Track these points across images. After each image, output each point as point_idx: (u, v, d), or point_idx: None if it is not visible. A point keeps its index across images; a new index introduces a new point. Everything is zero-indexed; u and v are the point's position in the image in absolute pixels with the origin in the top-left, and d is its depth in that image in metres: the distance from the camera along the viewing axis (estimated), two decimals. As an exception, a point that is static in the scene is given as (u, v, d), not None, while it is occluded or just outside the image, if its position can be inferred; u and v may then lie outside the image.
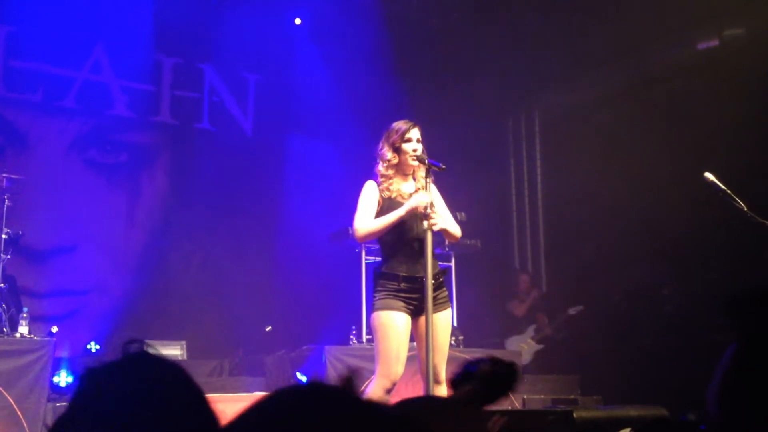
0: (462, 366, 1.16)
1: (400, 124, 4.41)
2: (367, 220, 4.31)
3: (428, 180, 4.24)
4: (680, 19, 7.62)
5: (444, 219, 4.32)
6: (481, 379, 1.12)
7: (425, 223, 4.14)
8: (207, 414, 1.34)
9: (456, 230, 4.44)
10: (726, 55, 7.59)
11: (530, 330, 8.67)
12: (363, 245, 6.98)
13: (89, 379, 1.30)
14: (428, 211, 4.16)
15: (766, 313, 1.66)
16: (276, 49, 9.13)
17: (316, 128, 9.02)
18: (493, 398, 1.12)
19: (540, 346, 8.53)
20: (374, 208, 4.33)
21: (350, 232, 4.37)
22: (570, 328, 8.58)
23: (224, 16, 8.70)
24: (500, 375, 1.15)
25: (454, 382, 1.58)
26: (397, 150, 4.37)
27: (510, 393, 1.16)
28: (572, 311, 8.41)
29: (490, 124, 10.03)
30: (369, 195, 4.36)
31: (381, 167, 4.40)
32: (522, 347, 8.40)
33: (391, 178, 4.39)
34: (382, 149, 4.42)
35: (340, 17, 8.87)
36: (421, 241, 4.24)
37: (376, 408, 0.98)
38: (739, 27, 7.58)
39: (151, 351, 1.34)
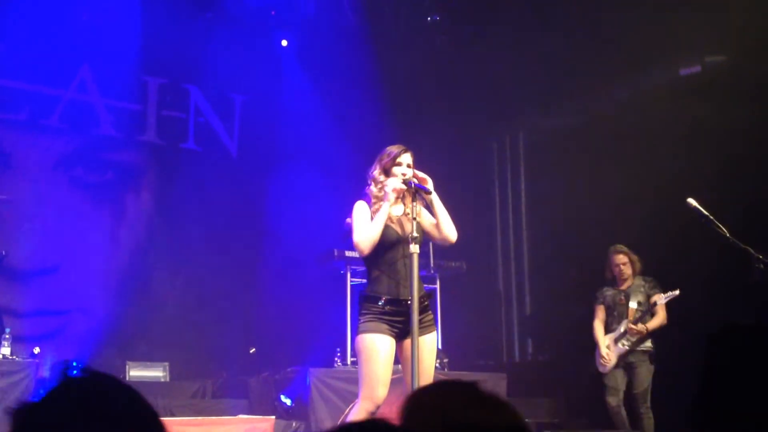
0: None
1: (392, 148, 4.45)
2: (364, 228, 4.30)
3: (415, 204, 4.25)
4: (663, 46, 7.71)
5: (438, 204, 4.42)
6: None
7: (411, 247, 4.15)
8: None
9: (450, 228, 4.47)
10: (708, 81, 7.68)
11: (622, 325, 6.75)
12: (348, 267, 6.99)
13: (43, 401, 1.30)
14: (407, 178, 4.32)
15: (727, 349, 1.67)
16: (262, 70, 9.13)
17: (302, 149, 9.02)
18: None
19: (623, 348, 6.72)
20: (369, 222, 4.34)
21: (355, 245, 4.34)
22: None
23: (210, 36, 8.69)
24: None
25: None
26: (387, 173, 4.39)
27: None
28: (661, 299, 6.54)
29: (475, 146, 10.09)
30: (362, 211, 4.37)
31: (373, 188, 4.43)
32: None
33: (381, 200, 4.40)
34: (373, 171, 4.45)
35: (326, 40, 8.91)
36: (405, 264, 4.26)
37: None
38: (721, 54, 7.69)
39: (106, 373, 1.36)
